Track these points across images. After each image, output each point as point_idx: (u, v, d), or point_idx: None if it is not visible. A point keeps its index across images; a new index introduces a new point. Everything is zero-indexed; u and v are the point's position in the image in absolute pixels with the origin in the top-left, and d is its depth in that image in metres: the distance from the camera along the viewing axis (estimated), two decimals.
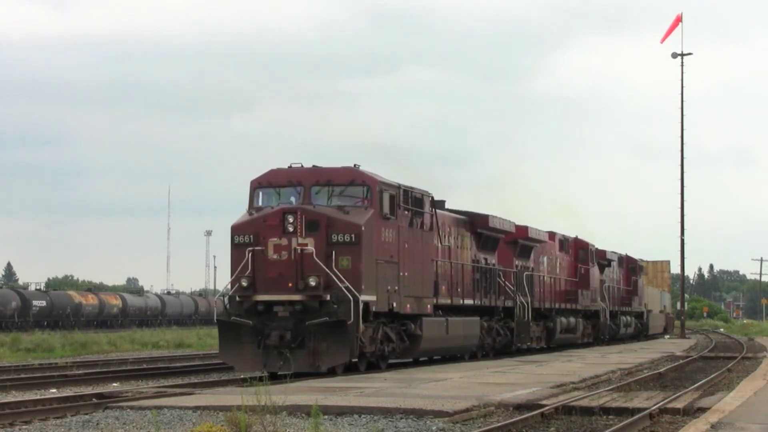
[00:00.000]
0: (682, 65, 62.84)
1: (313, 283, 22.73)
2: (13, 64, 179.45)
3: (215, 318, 24.56)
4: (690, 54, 63.16)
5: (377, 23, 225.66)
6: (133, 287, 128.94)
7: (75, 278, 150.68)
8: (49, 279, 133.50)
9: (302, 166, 24.53)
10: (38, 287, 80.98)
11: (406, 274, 25.37)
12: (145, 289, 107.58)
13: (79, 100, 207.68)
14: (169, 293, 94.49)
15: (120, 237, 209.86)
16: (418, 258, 26.17)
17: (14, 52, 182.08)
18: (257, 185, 24.62)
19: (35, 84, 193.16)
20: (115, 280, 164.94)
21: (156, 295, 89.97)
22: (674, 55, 62.83)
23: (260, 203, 24.46)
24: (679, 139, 62.15)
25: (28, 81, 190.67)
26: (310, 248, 22.93)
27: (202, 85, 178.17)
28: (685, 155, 61.95)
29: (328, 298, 22.71)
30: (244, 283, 23.03)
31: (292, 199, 24.27)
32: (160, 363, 31.06)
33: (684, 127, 62.23)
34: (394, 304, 24.74)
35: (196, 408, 16.00)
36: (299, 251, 22.94)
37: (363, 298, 23.04)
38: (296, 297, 22.84)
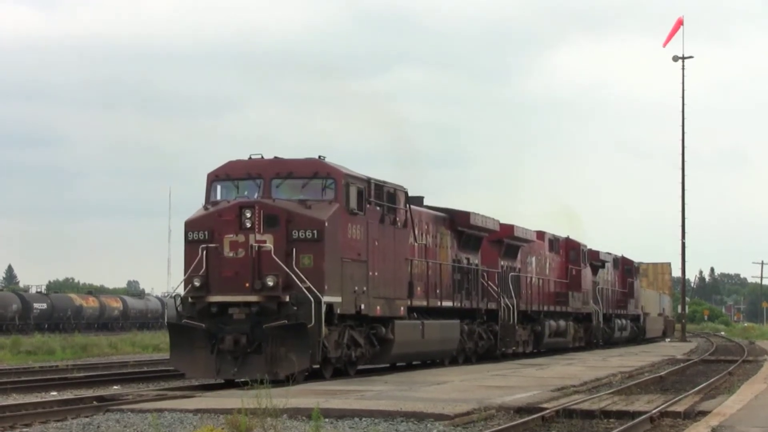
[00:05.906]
0: (683, 68, 62.47)
1: (271, 283, 21.18)
2: (9, 65, 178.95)
3: (166, 321, 23.18)
4: (691, 57, 62.44)
5: (368, 24, 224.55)
6: (133, 290, 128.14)
7: (76, 281, 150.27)
8: (49, 281, 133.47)
9: (263, 157, 23.03)
10: (39, 290, 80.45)
11: (376, 273, 23.88)
12: (146, 291, 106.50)
13: (78, 101, 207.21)
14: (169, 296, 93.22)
15: (121, 239, 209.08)
16: (390, 257, 24.69)
17: (7, 54, 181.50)
18: (214, 178, 23.06)
19: (32, 84, 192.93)
20: (115, 283, 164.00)
21: (157, 297, 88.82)
22: (675, 59, 62.60)
23: (217, 197, 22.94)
24: (679, 140, 61.44)
25: (23, 82, 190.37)
26: (269, 245, 21.40)
27: (198, 85, 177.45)
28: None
29: (288, 299, 21.19)
30: (197, 283, 21.47)
31: (256, 194, 22.78)
32: (161, 366, 30.26)
33: (685, 130, 61.46)
34: (362, 306, 23.25)
35: (196, 411, 15.90)
36: (257, 248, 21.42)
37: (326, 299, 21.55)
38: (253, 298, 21.27)
